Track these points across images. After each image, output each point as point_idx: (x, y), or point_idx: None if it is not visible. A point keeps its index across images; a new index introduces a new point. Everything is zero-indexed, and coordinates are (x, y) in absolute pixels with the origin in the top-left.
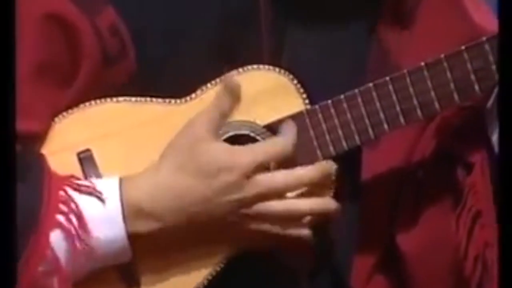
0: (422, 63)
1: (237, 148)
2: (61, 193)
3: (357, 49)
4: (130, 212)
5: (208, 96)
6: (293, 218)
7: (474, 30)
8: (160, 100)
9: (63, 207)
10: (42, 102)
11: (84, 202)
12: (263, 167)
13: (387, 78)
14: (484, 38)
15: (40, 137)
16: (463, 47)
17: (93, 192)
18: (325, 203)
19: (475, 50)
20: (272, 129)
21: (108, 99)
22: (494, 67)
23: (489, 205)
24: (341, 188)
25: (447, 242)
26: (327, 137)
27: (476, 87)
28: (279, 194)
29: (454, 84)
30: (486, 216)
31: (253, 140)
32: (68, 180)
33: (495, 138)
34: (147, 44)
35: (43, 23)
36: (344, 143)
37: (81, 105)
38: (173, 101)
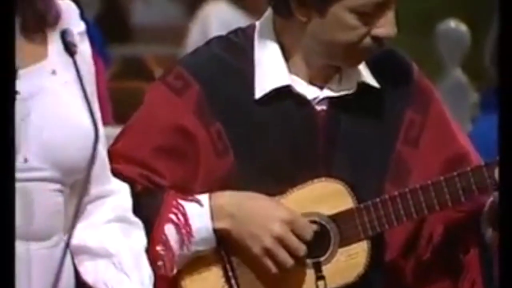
0: (429, 181)
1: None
2: (174, 202)
3: (383, 158)
4: (215, 209)
5: (294, 196)
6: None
7: (459, 148)
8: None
9: (174, 210)
10: (168, 171)
11: (189, 207)
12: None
13: (407, 189)
14: (468, 168)
15: (165, 187)
16: (455, 173)
17: (194, 200)
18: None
19: (463, 175)
20: (333, 218)
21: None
22: (474, 186)
23: (480, 275)
24: (374, 255)
25: None
26: (368, 225)
27: (462, 198)
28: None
29: (449, 195)
30: (478, 283)
31: (321, 224)
32: (180, 194)
33: (483, 229)
34: (241, 148)
35: (167, 126)
36: (378, 228)
37: None
38: (271, 198)
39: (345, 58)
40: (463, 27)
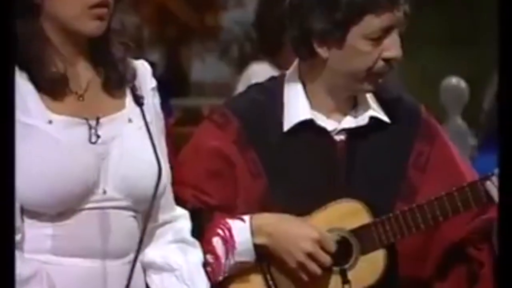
0: (433, 197)
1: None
2: (222, 220)
3: (395, 181)
4: (255, 228)
5: (321, 215)
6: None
7: (462, 177)
8: None
9: (221, 226)
10: (214, 191)
11: (234, 223)
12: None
13: (414, 205)
14: (465, 184)
15: (213, 207)
16: (454, 189)
17: (239, 217)
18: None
19: (460, 191)
20: (354, 232)
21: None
22: (471, 199)
23: None
24: (389, 261)
25: None
26: (383, 236)
27: (461, 209)
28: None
29: (450, 207)
30: None
31: (344, 237)
32: (226, 214)
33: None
34: (273, 172)
35: (212, 153)
36: (392, 239)
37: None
38: (302, 219)
39: (362, 83)
40: (463, 83)
